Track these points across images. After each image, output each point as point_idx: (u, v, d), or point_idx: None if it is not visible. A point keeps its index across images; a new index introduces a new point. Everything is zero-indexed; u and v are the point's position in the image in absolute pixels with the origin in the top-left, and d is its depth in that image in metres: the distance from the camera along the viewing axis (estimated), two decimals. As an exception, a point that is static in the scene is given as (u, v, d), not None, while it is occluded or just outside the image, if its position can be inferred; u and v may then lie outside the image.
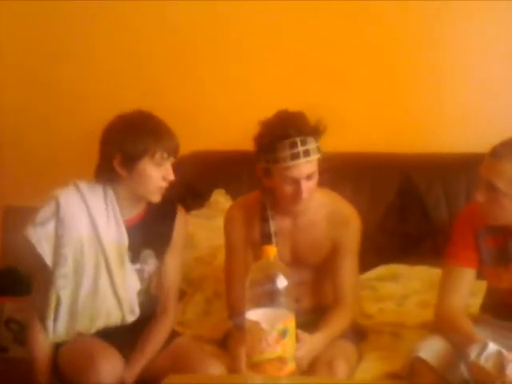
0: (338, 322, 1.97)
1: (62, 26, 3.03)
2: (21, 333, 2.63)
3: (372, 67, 2.81)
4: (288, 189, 1.89)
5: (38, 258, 1.84)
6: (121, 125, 1.87)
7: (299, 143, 1.84)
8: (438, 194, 2.61)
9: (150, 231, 1.92)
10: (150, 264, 1.94)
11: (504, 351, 1.59)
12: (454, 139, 2.73)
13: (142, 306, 1.94)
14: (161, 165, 1.84)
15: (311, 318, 1.96)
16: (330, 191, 2.00)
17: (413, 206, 2.62)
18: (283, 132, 1.85)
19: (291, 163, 1.85)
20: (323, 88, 2.81)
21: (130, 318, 1.92)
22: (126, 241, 1.88)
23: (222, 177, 2.72)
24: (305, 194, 1.88)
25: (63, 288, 1.84)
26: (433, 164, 2.67)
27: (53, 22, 3.05)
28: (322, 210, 2.01)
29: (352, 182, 2.62)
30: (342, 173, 2.62)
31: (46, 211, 1.85)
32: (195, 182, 2.71)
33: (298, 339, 1.75)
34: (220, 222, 2.12)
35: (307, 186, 1.88)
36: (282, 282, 1.54)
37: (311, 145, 1.86)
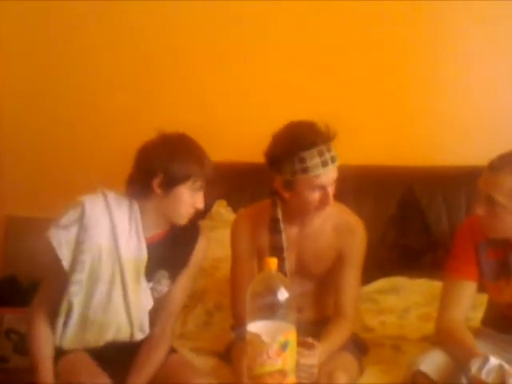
0: (340, 334, 1.97)
1: (65, 35, 3.03)
2: (21, 343, 2.63)
3: (375, 81, 2.82)
4: (315, 197, 1.90)
5: (55, 261, 1.82)
6: (166, 146, 1.84)
7: (326, 151, 1.87)
8: (439, 206, 2.61)
9: (169, 252, 1.90)
10: (163, 285, 1.92)
11: (505, 365, 1.58)
12: (456, 152, 2.74)
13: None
14: (197, 192, 1.84)
15: (313, 329, 1.96)
16: (336, 201, 2.01)
17: (414, 219, 2.63)
18: (309, 141, 1.85)
19: (321, 170, 1.86)
20: (326, 101, 2.81)
21: (139, 336, 1.89)
22: (144, 257, 1.86)
23: (224, 188, 2.72)
24: (331, 200, 1.91)
25: (76, 295, 1.82)
26: (434, 177, 2.68)
27: (55, 31, 3.04)
28: (329, 220, 2.01)
29: (354, 194, 2.62)
30: (344, 185, 2.58)
31: (71, 215, 1.83)
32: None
33: (309, 347, 1.76)
34: (221, 233, 2.12)
35: (332, 191, 1.91)
36: (283, 295, 1.54)
37: (334, 150, 1.89)
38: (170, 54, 2.97)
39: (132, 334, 1.88)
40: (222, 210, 2.66)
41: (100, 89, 3.01)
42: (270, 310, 1.52)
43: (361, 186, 2.68)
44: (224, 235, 2.12)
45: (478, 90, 2.78)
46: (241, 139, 2.80)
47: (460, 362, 1.72)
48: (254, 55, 2.91)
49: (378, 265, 2.51)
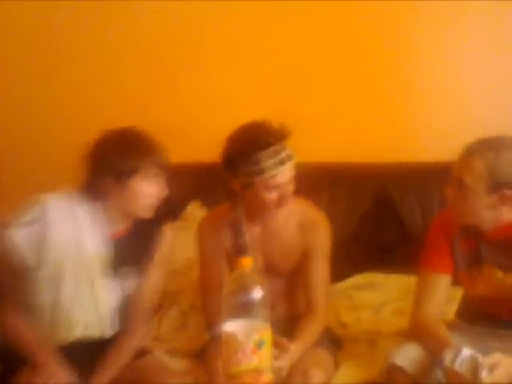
0: (312, 330, 1.97)
1: (48, 38, 3.02)
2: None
3: (348, 77, 2.84)
4: (273, 196, 1.91)
5: (19, 260, 1.81)
6: (111, 142, 1.85)
7: (281, 150, 1.88)
8: (412, 202, 2.63)
9: (134, 248, 1.90)
10: (130, 281, 1.92)
11: (478, 356, 1.60)
12: (428, 148, 2.76)
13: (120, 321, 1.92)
14: (153, 182, 1.84)
15: (285, 327, 1.95)
16: (298, 198, 2.02)
17: (387, 215, 2.65)
18: (263, 142, 1.86)
19: (277, 170, 1.87)
20: (298, 99, 2.83)
21: (108, 333, 1.89)
22: (109, 252, 1.87)
23: (198, 188, 2.71)
24: (290, 198, 1.92)
25: (43, 292, 1.82)
26: (406, 173, 2.70)
27: (38, 33, 3.04)
28: (293, 217, 2.03)
29: (328, 191, 2.64)
30: (318, 182, 2.64)
31: (32, 214, 1.83)
32: (170, 194, 2.69)
33: (281, 348, 1.77)
34: (193, 233, 2.12)
35: (290, 190, 1.92)
36: (257, 293, 1.54)
37: (288, 149, 1.90)
38: (139, 52, 2.97)
39: (101, 331, 1.88)
40: (196, 210, 2.66)
41: (63, 88, 3.01)
42: (245, 308, 1.52)
43: (335, 183, 2.70)
44: (196, 235, 2.12)
45: (448, 86, 2.80)
46: (215, 139, 2.81)
47: (434, 354, 1.73)
48: (221, 56, 2.92)
49: (353, 261, 2.53)
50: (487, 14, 2.72)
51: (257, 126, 1.92)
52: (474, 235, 1.86)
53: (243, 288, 1.54)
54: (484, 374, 1.57)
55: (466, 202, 1.79)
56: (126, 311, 1.95)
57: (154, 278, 1.96)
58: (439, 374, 1.73)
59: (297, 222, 2.03)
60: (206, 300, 2.08)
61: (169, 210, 2.55)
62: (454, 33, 2.77)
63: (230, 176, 1.95)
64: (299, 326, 1.97)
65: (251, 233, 2.01)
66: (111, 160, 1.82)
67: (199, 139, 2.83)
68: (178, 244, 2.43)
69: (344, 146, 2.84)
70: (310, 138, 2.81)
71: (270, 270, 2.02)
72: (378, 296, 2.43)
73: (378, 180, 2.68)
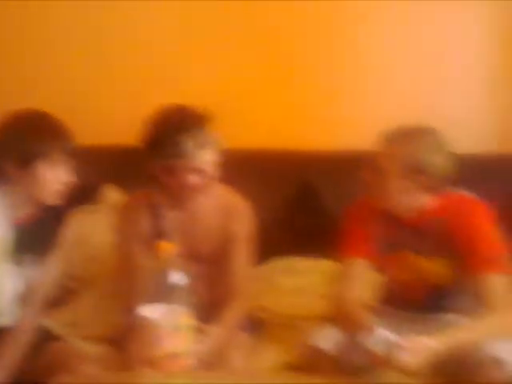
0: (234, 315, 1.97)
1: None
2: None
3: (268, 66, 2.83)
4: (193, 179, 1.89)
5: None
6: (15, 125, 1.77)
7: (201, 134, 1.86)
8: (333, 188, 2.66)
9: (40, 234, 1.84)
10: (32, 269, 1.84)
11: (393, 336, 1.64)
12: (349, 137, 2.80)
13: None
14: (58, 167, 1.77)
15: (208, 311, 1.94)
16: (221, 184, 2.01)
17: (309, 201, 2.68)
18: (184, 125, 1.85)
19: (197, 154, 1.86)
20: (221, 85, 2.80)
21: (4, 321, 1.82)
22: (10, 237, 1.79)
23: (113, 171, 2.64)
24: (210, 183, 1.91)
25: None
26: (328, 160, 2.73)
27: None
28: (214, 203, 2.02)
29: (250, 177, 2.62)
30: (240, 168, 2.61)
31: None
32: (84, 177, 2.61)
33: (202, 332, 1.76)
34: (111, 217, 2.07)
35: (210, 174, 1.90)
36: (176, 278, 1.54)
37: (211, 134, 1.89)
38: (43, 36, 2.87)
39: None
40: (111, 193, 2.60)
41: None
42: (163, 293, 1.51)
43: (257, 170, 2.70)
44: (113, 220, 2.08)
45: (371, 76, 2.84)
46: (130, 122, 2.76)
47: (353, 336, 1.76)
48: (135, 36, 2.85)
49: (275, 246, 2.54)
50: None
51: (178, 110, 1.91)
52: (390, 221, 1.90)
53: (162, 272, 1.53)
54: (399, 354, 1.60)
55: (383, 187, 1.83)
56: (28, 299, 1.88)
57: (56, 264, 1.90)
58: (358, 356, 1.75)
59: (219, 208, 2.03)
60: (122, 285, 2.05)
61: (81, 194, 2.49)
62: (377, 23, 2.81)
63: (150, 159, 1.91)
64: (221, 311, 1.97)
65: (173, 218, 1.98)
66: (14, 144, 1.74)
67: (115, 122, 2.77)
68: (92, 229, 2.38)
69: (266, 133, 2.84)
70: (233, 126, 2.80)
71: (192, 254, 2.01)
72: (299, 280, 2.45)
73: (300, 167, 2.71)
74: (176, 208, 1.99)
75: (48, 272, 1.89)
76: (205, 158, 1.88)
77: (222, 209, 2.02)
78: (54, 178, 1.77)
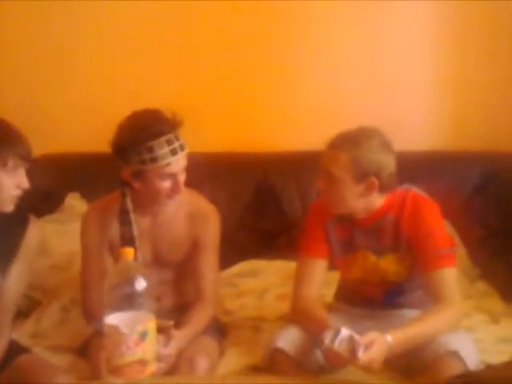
0: (200, 318, 1.98)
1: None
2: None
3: (227, 67, 2.86)
4: (166, 185, 1.89)
5: None
6: None
7: (174, 139, 1.86)
8: (293, 190, 2.70)
9: None
10: None
11: (356, 335, 1.66)
12: (305, 138, 2.82)
13: None
14: (14, 173, 1.73)
15: (173, 317, 1.96)
16: (188, 189, 2.01)
17: (269, 203, 2.71)
18: (157, 130, 1.84)
19: (171, 159, 1.85)
20: (181, 88, 2.82)
21: None
22: None
23: (76, 180, 2.63)
24: (182, 187, 1.91)
25: None
26: (287, 162, 2.77)
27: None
28: (181, 208, 2.02)
29: (211, 181, 2.65)
30: (201, 172, 2.62)
31: None
32: (47, 186, 2.60)
33: (168, 335, 1.77)
34: (75, 226, 2.06)
35: (183, 179, 1.91)
36: (140, 284, 1.53)
37: (182, 138, 1.90)
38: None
39: None
40: (75, 202, 2.58)
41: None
42: (128, 300, 1.50)
43: (218, 173, 2.72)
44: (77, 228, 2.06)
45: (327, 78, 2.88)
46: (95, 129, 2.74)
47: (314, 335, 1.78)
48: (102, 43, 2.86)
49: (237, 249, 2.56)
50: None
51: (149, 114, 1.89)
52: (347, 222, 1.94)
53: (126, 279, 1.52)
54: (361, 352, 1.63)
55: (337, 193, 1.86)
56: None
57: (20, 273, 1.85)
58: (319, 355, 1.78)
59: (186, 213, 2.03)
60: (86, 292, 2.04)
61: (45, 202, 2.46)
62: (332, 23, 2.85)
63: (120, 164, 1.90)
64: (187, 315, 1.97)
65: (140, 224, 1.98)
66: None
67: (78, 130, 2.75)
68: (56, 238, 2.36)
69: (226, 136, 2.87)
70: (193, 129, 2.80)
71: (158, 260, 2.02)
72: (261, 282, 2.48)
73: (259, 169, 2.74)
74: (144, 214, 1.99)
75: (13, 281, 1.84)
76: (178, 163, 1.88)
77: (189, 215, 2.03)
78: (10, 184, 1.73)
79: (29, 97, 2.83)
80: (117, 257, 1.86)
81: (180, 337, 1.86)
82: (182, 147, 1.89)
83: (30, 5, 2.83)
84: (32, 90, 2.85)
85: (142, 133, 1.85)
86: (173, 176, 1.89)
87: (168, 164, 1.86)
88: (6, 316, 1.86)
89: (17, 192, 1.76)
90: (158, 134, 1.84)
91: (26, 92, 2.85)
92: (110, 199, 2.03)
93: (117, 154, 1.89)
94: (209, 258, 2.04)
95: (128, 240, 1.94)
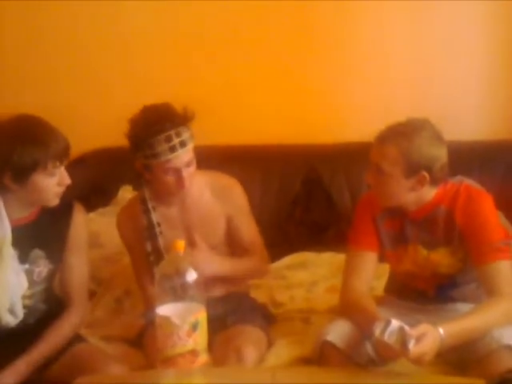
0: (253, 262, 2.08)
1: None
2: None
3: (277, 59, 2.86)
4: (170, 179, 1.94)
5: None
6: (4, 134, 1.74)
7: (174, 136, 1.89)
8: (341, 182, 2.70)
9: (42, 232, 1.85)
10: (41, 265, 1.85)
11: (406, 327, 1.64)
12: (355, 129, 2.82)
13: (40, 309, 1.88)
14: (54, 173, 1.77)
15: (223, 307, 1.99)
16: (205, 171, 2.06)
17: (318, 196, 2.70)
18: (157, 127, 1.88)
19: (170, 156, 1.89)
20: (221, 81, 2.84)
21: (10, 320, 1.82)
22: (7, 236, 1.79)
23: (128, 173, 2.67)
24: (187, 181, 1.94)
25: None
26: (335, 154, 2.76)
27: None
28: (205, 188, 2.07)
29: (260, 174, 2.68)
30: (250, 165, 2.66)
31: None
32: (100, 180, 2.66)
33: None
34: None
35: (188, 173, 1.94)
36: (191, 276, 1.56)
37: (185, 134, 1.91)
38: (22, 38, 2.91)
39: (0, 319, 1.81)
40: (127, 195, 2.62)
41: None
42: (179, 291, 1.54)
43: (266, 166, 2.73)
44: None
45: (377, 69, 2.86)
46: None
47: (364, 328, 1.77)
48: (114, 38, 2.90)
49: (286, 241, 2.57)
50: None
51: (154, 111, 1.93)
52: (397, 215, 1.91)
53: (177, 271, 1.56)
54: (412, 344, 1.60)
55: (386, 188, 1.84)
56: (51, 298, 1.92)
57: (78, 258, 1.92)
58: (369, 348, 1.77)
59: (211, 192, 2.07)
60: (140, 285, 2.09)
61: (98, 196, 2.52)
62: (369, 22, 2.84)
63: (133, 158, 1.97)
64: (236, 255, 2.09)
65: (168, 214, 2.03)
66: (7, 157, 1.72)
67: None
68: (109, 231, 2.41)
69: (274, 128, 2.86)
70: (240, 122, 2.84)
71: (197, 246, 2.02)
72: (310, 275, 2.48)
73: (307, 161, 2.73)
74: (169, 204, 2.04)
75: (73, 268, 1.91)
76: (179, 159, 1.91)
77: (214, 192, 2.06)
78: (51, 184, 1.78)
79: (74, 94, 2.90)
80: (154, 246, 1.94)
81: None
82: (182, 144, 1.90)
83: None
84: (62, 89, 2.92)
85: (144, 130, 1.89)
86: (176, 170, 1.93)
87: (169, 160, 1.90)
88: (74, 300, 1.92)
89: (60, 189, 1.81)
90: (157, 132, 1.88)
91: (68, 89, 2.92)
92: (137, 194, 2.09)
93: (129, 147, 1.94)
94: (250, 223, 2.10)
95: (149, 228, 1.99)
